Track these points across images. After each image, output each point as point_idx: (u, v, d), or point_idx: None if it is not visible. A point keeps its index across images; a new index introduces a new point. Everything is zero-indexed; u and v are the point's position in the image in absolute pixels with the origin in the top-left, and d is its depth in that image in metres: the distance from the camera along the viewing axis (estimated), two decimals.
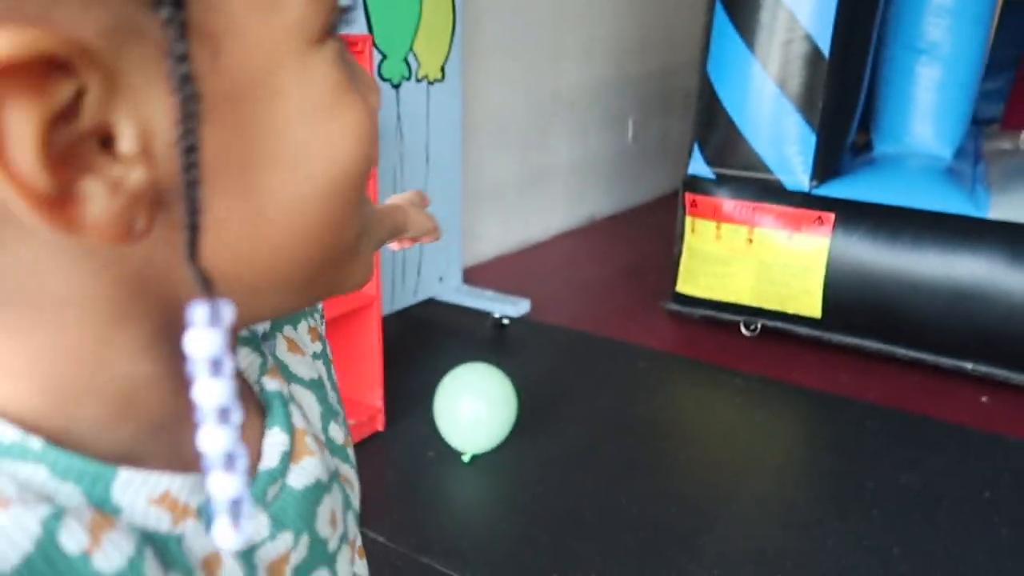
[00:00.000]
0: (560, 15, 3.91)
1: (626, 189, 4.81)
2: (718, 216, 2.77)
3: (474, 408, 1.92)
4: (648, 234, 4.23)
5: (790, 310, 2.69)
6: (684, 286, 2.91)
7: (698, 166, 2.86)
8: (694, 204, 2.84)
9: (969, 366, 2.48)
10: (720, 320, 2.90)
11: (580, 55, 4.15)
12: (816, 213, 2.61)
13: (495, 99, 3.64)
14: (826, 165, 2.72)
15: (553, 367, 2.64)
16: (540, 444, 2.14)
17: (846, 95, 2.73)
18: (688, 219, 2.88)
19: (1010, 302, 2.32)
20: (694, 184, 2.85)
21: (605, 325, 2.99)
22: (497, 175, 3.75)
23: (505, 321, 2.85)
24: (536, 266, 3.73)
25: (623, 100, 4.63)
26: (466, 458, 2.03)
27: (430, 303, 3.04)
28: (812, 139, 2.65)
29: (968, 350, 2.47)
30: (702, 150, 2.84)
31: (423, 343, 2.76)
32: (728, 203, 2.75)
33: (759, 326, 2.82)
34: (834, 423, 2.33)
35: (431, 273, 3.00)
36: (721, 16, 2.74)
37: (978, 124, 4.78)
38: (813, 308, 2.64)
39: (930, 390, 2.50)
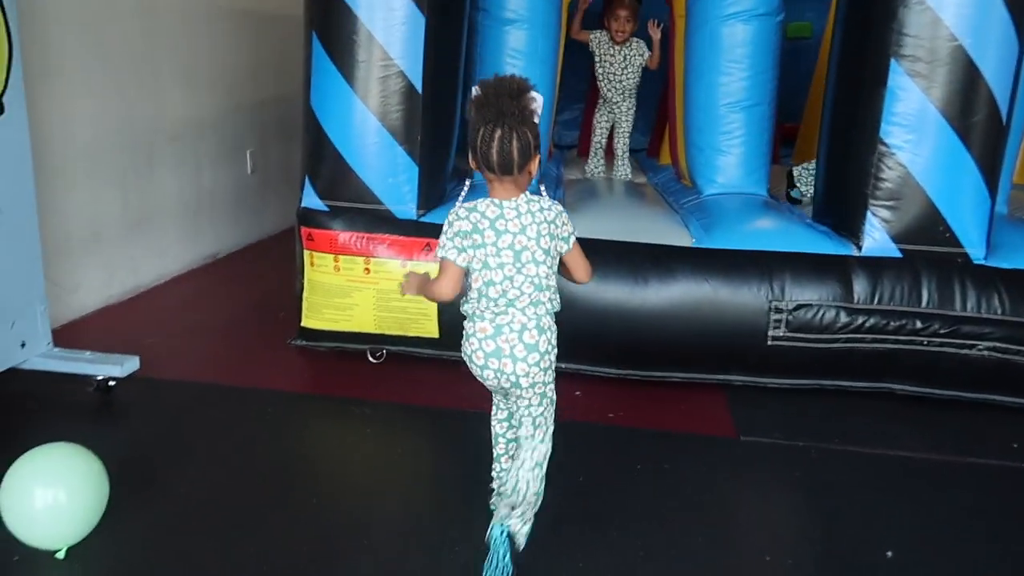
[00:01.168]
0: (153, 40, 3.63)
1: (250, 222, 4.63)
2: (335, 248, 2.79)
3: (49, 497, 1.68)
4: (276, 267, 4.10)
5: (411, 334, 2.82)
6: (309, 321, 2.88)
7: (311, 199, 2.85)
8: (311, 238, 2.83)
9: (562, 365, 2.82)
10: (347, 351, 2.93)
11: (183, 83, 3.89)
12: (424, 240, 2.76)
13: (82, 133, 3.24)
14: (430, 194, 2.90)
15: (170, 427, 2.43)
16: (154, 513, 1.94)
17: (441, 128, 2.94)
18: (307, 253, 2.85)
19: (585, 307, 2.69)
20: (309, 218, 2.84)
21: (230, 373, 2.83)
22: (92, 218, 3.35)
23: (111, 383, 2.54)
24: (149, 316, 3.40)
25: (239, 130, 4.45)
26: (61, 554, 1.75)
27: (10, 374, 2.59)
28: (415, 170, 2.81)
29: (560, 352, 2.81)
30: (313, 184, 2.85)
31: (2, 424, 2.34)
32: (344, 235, 2.79)
33: (384, 353, 2.90)
34: (459, 437, 2.48)
35: (9, 339, 2.55)
36: (319, 51, 2.77)
37: (560, 149, 5.52)
38: (431, 330, 2.79)
39: None
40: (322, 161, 2.81)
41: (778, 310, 2.69)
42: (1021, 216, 3.49)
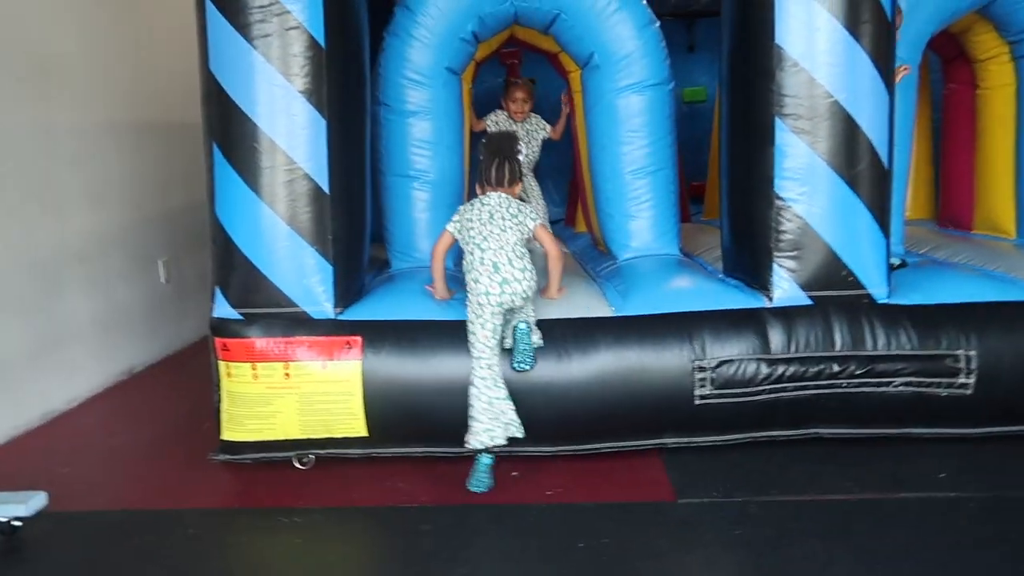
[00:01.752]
0: (52, 160, 3.56)
1: (168, 334, 4.50)
2: (252, 357, 2.72)
3: None
4: (197, 378, 3.93)
5: (338, 434, 2.75)
6: (230, 433, 2.78)
7: (223, 309, 2.79)
8: (226, 348, 2.76)
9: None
10: (273, 460, 2.83)
11: (88, 200, 3.82)
12: (345, 339, 2.73)
13: None
14: (347, 291, 2.88)
15: (85, 566, 2.28)
16: None
17: (353, 224, 2.94)
18: (222, 364, 2.78)
19: (511, 388, 2.67)
20: (222, 328, 2.77)
21: (149, 496, 2.70)
22: None
23: (16, 523, 2.38)
24: (62, 443, 3.23)
25: (150, 242, 4.37)
26: None
27: None
28: (329, 269, 2.79)
29: None
30: (224, 293, 2.79)
31: None
32: (260, 341, 2.73)
33: (312, 457, 2.82)
34: (393, 535, 2.41)
35: None
36: (220, 159, 2.76)
37: None
38: (359, 428, 2.73)
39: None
40: (232, 270, 2.77)
41: (701, 369, 2.74)
42: (916, 252, 3.68)
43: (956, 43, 4.10)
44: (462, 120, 3.57)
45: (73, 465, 2.97)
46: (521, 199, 2.95)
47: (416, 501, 2.59)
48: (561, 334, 2.77)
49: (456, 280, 2.97)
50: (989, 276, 3.09)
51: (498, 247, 2.68)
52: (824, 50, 2.75)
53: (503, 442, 2.62)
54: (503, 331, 2.72)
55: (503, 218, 2.73)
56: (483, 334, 2.63)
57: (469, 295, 2.69)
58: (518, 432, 2.64)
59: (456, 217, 2.84)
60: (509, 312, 2.73)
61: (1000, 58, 3.88)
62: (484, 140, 3.02)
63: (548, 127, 4.25)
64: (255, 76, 2.68)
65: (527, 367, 2.71)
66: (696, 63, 6.53)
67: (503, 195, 2.79)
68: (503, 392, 2.63)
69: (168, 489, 2.75)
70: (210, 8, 2.70)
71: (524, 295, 2.69)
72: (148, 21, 4.39)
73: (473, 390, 2.61)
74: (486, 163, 2.83)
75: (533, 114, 4.23)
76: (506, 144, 2.92)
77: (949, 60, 4.32)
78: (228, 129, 2.73)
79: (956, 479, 2.61)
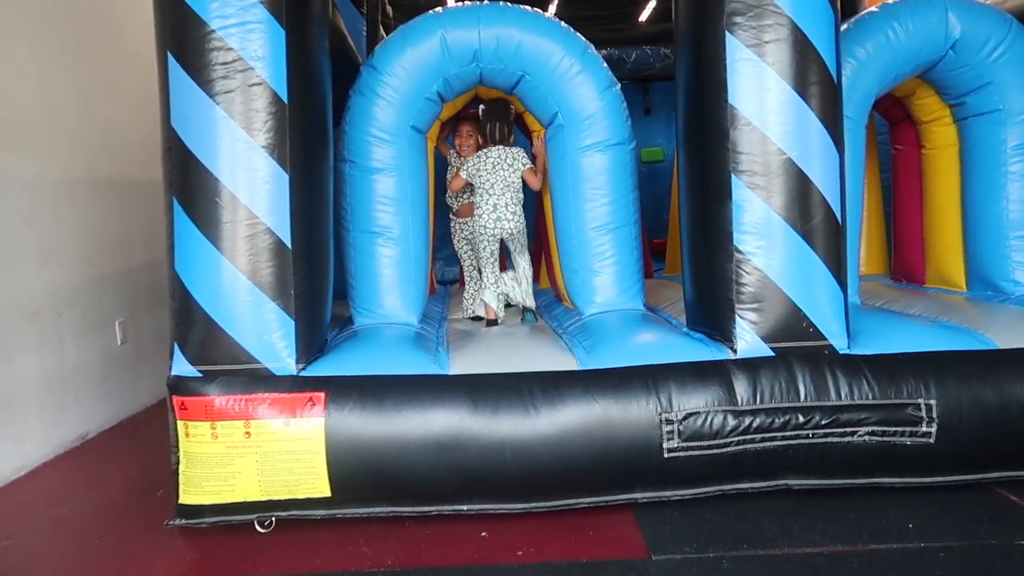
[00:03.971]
0: (4, 214, 3.48)
1: (123, 396, 4.35)
2: (211, 415, 2.64)
3: None
4: (154, 442, 3.83)
5: (301, 495, 2.66)
6: (187, 496, 2.67)
7: (181, 366, 2.72)
8: (184, 407, 2.67)
9: (464, 507, 2.74)
10: (233, 524, 2.72)
11: (41, 257, 3.72)
12: (307, 395, 2.67)
13: None
14: (309, 346, 2.83)
15: None
16: None
17: (316, 279, 2.91)
18: (180, 424, 2.69)
19: (478, 444, 2.65)
20: (180, 386, 2.69)
21: (100, 570, 2.56)
22: None
23: None
24: (6, 515, 3.06)
25: (106, 300, 4.26)
26: None
27: None
28: (291, 324, 2.75)
29: (460, 493, 2.72)
30: (183, 349, 2.73)
31: None
32: (220, 399, 2.65)
33: (273, 520, 2.72)
34: None
35: None
36: (180, 214, 2.73)
37: (444, 284, 5.59)
38: (322, 488, 2.65)
39: (441, 539, 2.67)
40: (191, 326, 2.71)
41: (668, 421, 2.73)
42: (872, 305, 3.76)
43: (901, 106, 4.30)
44: (427, 177, 3.60)
45: (19, 536, 2.82)
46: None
47: (382, 565, 2.50)
48: (528, 388, 2.74)
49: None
50: (944, 326, 3.17)
51: (500, 192, 3.66)
52: (775, 110, 2.86)
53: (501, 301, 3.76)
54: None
55: (503, 168, 3.67)
56: (483, 256, 3.74)
57: (476, 229, 3.74)
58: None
59: (467, 166, 3.76)
60: (504, 241, 3.77)
61: (943, 120, 4.07)
62: (483, 107, 3.83)
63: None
64: (217, 131, 2.68)
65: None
66: (653, 125, 6.75)
67: (501, 148, 3.71)
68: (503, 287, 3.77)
69: (121, 562, 2.62)
70: (172, 64, 2.71)
71: (511, 232, 3.69)
72: (109, 75, 4.38)
73: (487, 293, 3.74)
74: (486, 124, 3.76)
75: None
76: (501, 108, 3.79)
77: (895, 123, 4.51)
78: (189, 184, 2.71)
79: (925, 529, 2.61)
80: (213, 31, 2.66)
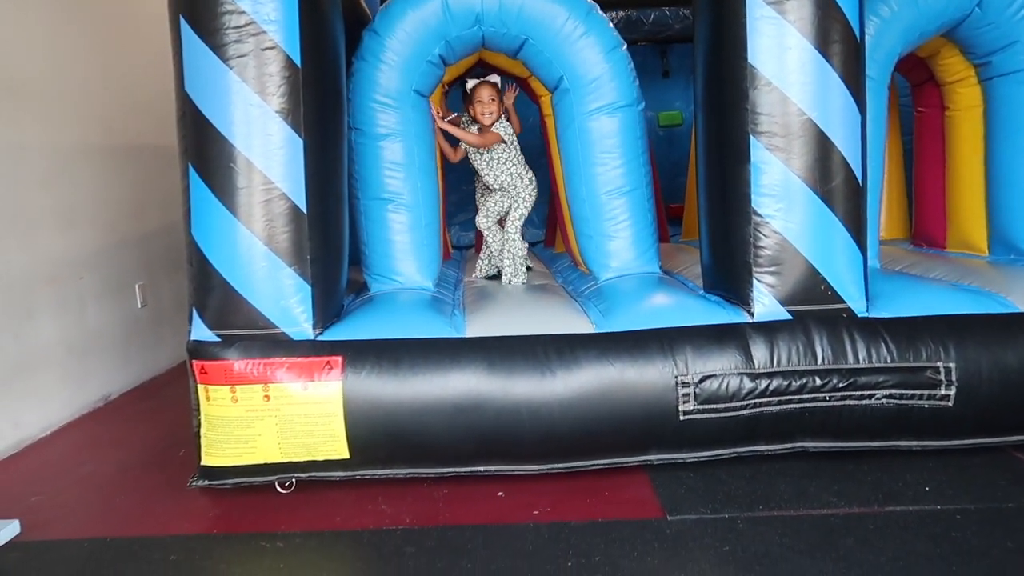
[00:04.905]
0: (22, 182, 3.51)
1: (144, 359, 4.42)
2: (230, 379, 2.68)
3: None
4: (175, 403, 3.90)
5: (320, 457, 2.70)
6: (209, 458, 2.72)
7: (200, 331, 2.75)
8: (204, 371, 2.71)
9: (481, 468, 2.77)
10: (254, 485, 2.77)
11: (60, 223, 3.76)
12: (325, 359, 2.69)
13: None
14: (326, 311, 2.85)
15: None
16: None
17: (331, 244, 2.92)
18: (201, 387, 2.73)
19: (495, 406, 2.66)
20: (200, 350, 2.73)
21: (127, 523, 2.63)
22: None
23: None
24: (34, 472, 3.15)
25: (126, 264, 4.31)
26: None
27: None
28: (308, 289, 2.76)
29: (477, 455, 2.75)
30: (201, 315, 2.75)
31: None
32: (239, 363, 2.69)
33: (293, 481, 2.77)
34: (377, 557, 2.36)
35: None
36: (196, 180, 2.73)
37: (460, 249, 5.59)
38: (340, 450, 2.69)
39: (458, 499, 2.71)
40: (209, 291, 2.73)
41: (684, 384, 2.73)
42: (891, 269, 3.72)
43: (924, 67, 4.20)
44: (433, 141, 3.58)
45: (46, 493, 2.89)
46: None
47: (400, 523, 2.54)
48: (544, 351, 2.75)
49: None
50: (964, 289, 3.13)
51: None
52: (796, 69, 2.80)
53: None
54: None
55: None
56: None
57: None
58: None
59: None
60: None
61: (967, 80, 3.97)
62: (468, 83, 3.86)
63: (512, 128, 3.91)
64: (231, 96, 2.66)
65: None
66: (671, 88, 6.64)
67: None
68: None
69: (145, 516, 2.68)
70: (185, 29, 2.69)
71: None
72: (122, 42, 4.37)
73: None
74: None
75: (504, 120, 3.85)
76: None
77: (918, 85, 4.41)
78: (204, 150, 2.70)
79: (941, 491, 2.62)
80: None
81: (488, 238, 4.12)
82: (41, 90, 3.66)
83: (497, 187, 3.95)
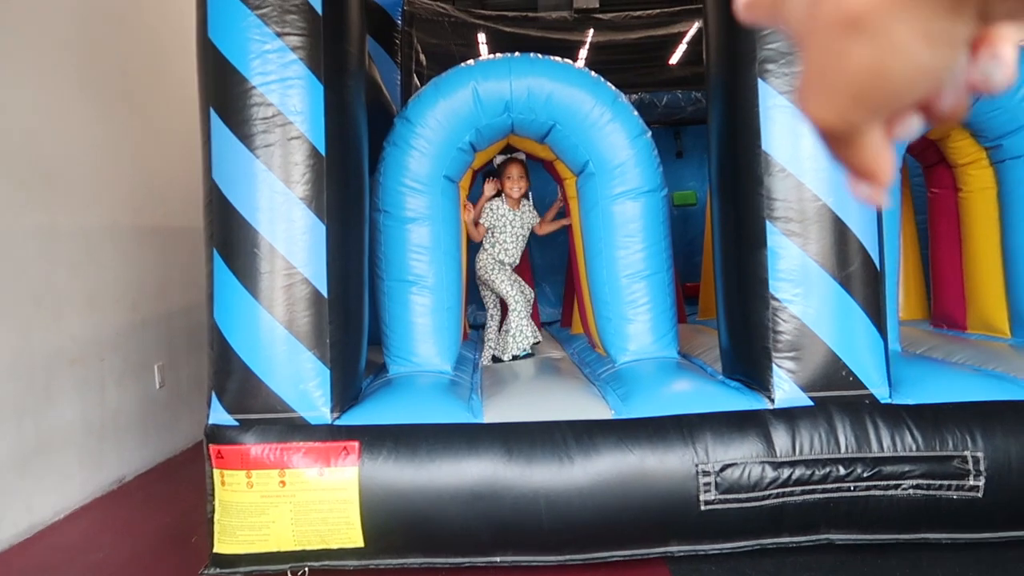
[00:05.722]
0: (52, 263, 3.59)
1: (161, 439, 4.41)
2: (247, 464, 2.66)
3: None
4: (189, 486, 3.87)
5: (334, 545, 2.65)
6: (222, 545, 2.68)
7: (219, 415, 2.75)
8: (220, 455, 2.70)
9: (498, 559, 2.70)
10: (266, 573, 2.72)
11: (85, 304, 3.82)
12: (342, 444, 2.68)
13: None
14: (344, 395, 2.84)
15: None
16: None
17: (351, 327, 2.93)
18: (216, 472, 2.71)
19: (513, 494, 2.62)
20: (217, 435, 2.72)
21: None
22: None
23: None
24: (43, 560, 3.10)
25: (146, 344, 4.35)
26: None
27: None
28: (327, 373, 2.76)
29: (494, 545, 2.69)
30: (220, 398, 2.76)
31: None
32: (256, 448, 2.67)
33: (306, 570, 2.71)
34: None
35: None
36: (220, 265, 2.78)
37: (477, 329, 5.60)
38: (355, 539, 2.64)
39: None
40: (229, 375, 2.74)
41: (705, 472, 2.68)
42: (913, 352, 3.68)
43: (935, 149, 4.25)
44: (459, 226, 3.64)
45: None
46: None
47: None
48: (562, 437, 2.72)
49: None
50: (989, 375, 3.09)
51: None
52: (810, 156, 2.84)
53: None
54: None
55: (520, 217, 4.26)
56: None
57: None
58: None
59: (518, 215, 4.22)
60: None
61: (979, 163, 4.02)
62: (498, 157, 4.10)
63: (537, 217, 4.34)
64: (257, 183, 2.74)
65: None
66: (684, 167, 6.76)
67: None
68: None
69: None
70: (215, 120, 2.79)
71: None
72: (152, 127, 4.53)
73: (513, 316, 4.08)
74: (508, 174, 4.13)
75: (526, 200, 4.25)
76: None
77: (930, 166, 4.46)
78: (229, 235, 2.76)
79: None
80: (254, 87, 2.74)
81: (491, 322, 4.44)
82: (73, 174, 3.78)
83: (511, 263, 4.21)
